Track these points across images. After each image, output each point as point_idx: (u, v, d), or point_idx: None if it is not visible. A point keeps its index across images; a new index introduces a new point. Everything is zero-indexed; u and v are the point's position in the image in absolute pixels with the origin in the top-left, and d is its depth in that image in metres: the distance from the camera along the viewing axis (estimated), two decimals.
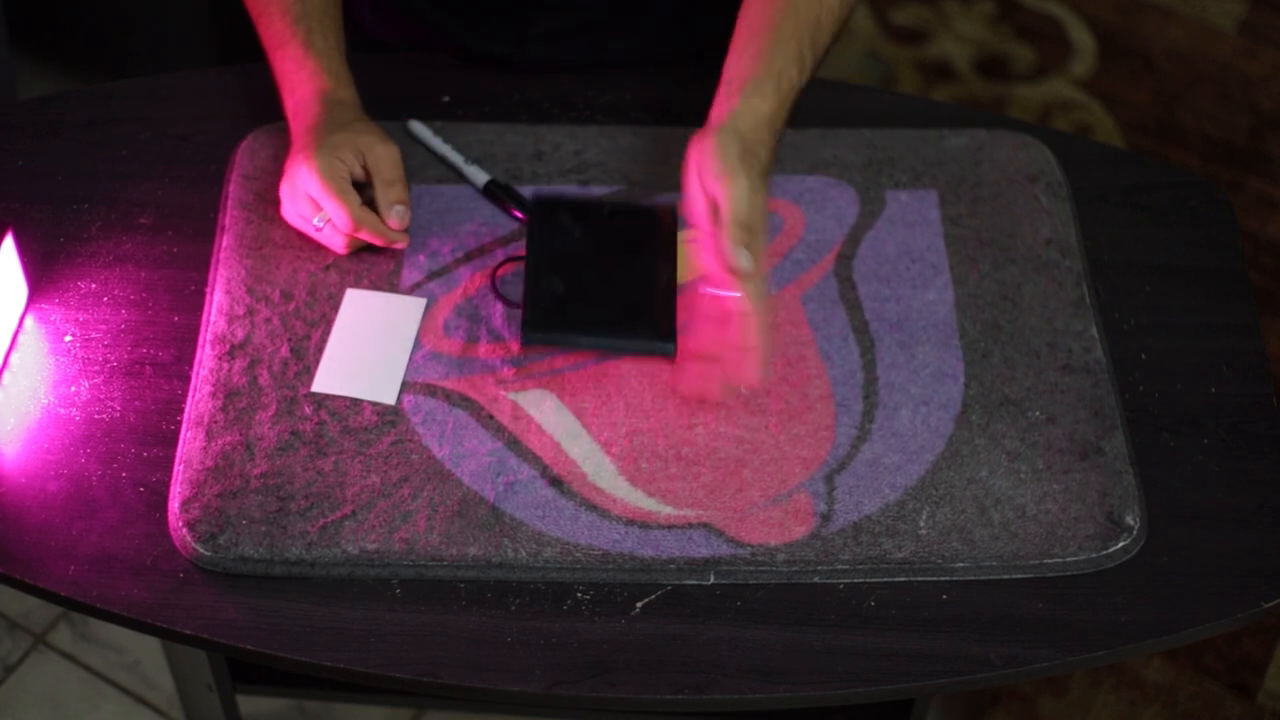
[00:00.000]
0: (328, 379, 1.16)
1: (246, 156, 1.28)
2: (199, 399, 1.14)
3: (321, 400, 1.14)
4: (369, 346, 1.17)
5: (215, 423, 1.13)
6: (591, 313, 1.15)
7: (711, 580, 1.08)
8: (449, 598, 1.07)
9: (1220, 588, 1.09)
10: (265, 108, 1.32)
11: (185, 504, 1.09)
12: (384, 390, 1.15)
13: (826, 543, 1.09)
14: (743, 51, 1.19)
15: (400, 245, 1.21)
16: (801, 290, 1.22)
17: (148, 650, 1.84)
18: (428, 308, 1.19)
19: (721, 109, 1.15)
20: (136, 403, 1.15)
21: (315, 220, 1.19)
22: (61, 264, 1.23)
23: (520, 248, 1.24)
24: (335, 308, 1.19)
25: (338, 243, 1.21)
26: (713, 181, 1.10)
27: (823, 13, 1.21)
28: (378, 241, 1.20)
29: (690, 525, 1.09)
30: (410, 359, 1.17)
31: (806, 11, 1.20)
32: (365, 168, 1.20)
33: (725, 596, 1.08)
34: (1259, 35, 2.52)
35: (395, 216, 1.19)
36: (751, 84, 1.16)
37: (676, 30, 1.39)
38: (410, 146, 1.29)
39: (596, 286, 1.16)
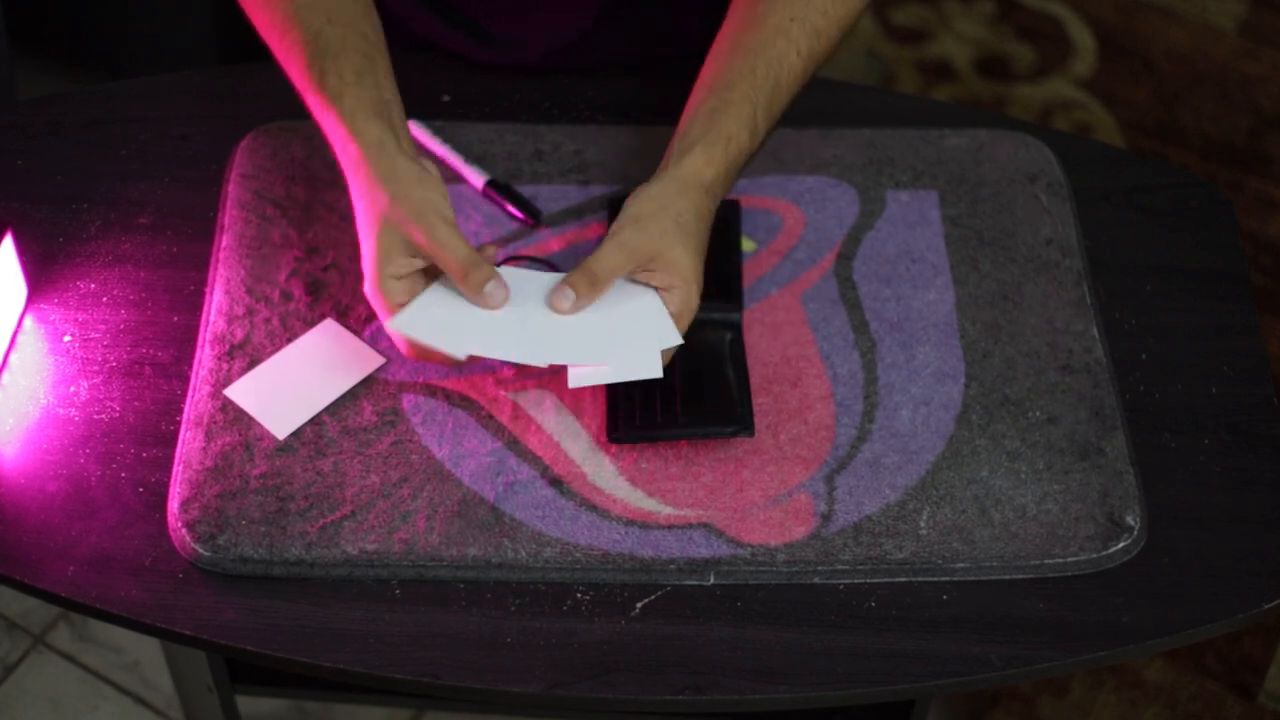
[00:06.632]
0: (243, 390, 1.14)
1: (246, 156, 1.28)
2: (198, 399, 1.14)
3: None
4: (302, 378, 1.15)
5: (215, 423, 1.13)
6: (672, 408, 1.13)
7: (711, 580, 1.08)
8: (449, 598, 1.07)
9: (1220, 588, 1.09)
10: (265, 108, 1.32)
11: (184, 504, 1.09)
12: (282, 424, 1.13)
13: (827, 543, 1.09)
14: (697, 107, 1.15)
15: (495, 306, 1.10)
16: (801, 290, 1.22)
17: (147, 650, 1.84)
18: (385, 366, 1.16)
19: (666, 167, 1.13)
20: (136, 403, 1.15)
21: None
22: (61, 264, 1.23)
23: (520, 247, 1.24)
24: (333, 309, 1.19)
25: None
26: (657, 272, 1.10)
27: (783, 73, 1.16)
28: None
29: (690, 525, 1.09)
30: (329, 404, 1.14)
31: (765, 71, 1.15)
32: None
33: (725, 597, 1.08)
34: (1259, 35, 2.52)
35: (489, 301, 1.09)
36: (700, 147, 1.12)
37: (676, 30, 1.39)
38: None
39: (674, 384, 1.14)
